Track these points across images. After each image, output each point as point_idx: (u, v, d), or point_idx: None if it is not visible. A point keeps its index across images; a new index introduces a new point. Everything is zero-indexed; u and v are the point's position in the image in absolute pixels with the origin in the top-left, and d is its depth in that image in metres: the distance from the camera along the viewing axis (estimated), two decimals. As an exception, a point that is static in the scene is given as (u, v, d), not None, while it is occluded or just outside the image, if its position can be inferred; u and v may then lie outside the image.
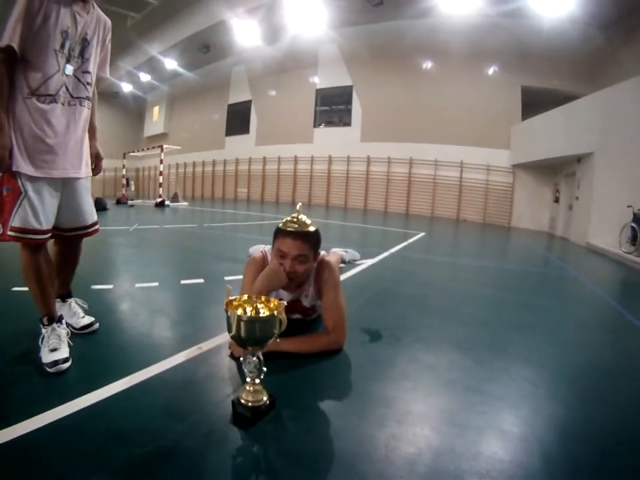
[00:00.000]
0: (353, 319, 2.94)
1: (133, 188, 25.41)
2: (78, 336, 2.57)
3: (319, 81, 22.19)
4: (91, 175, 2.59)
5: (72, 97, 2.29)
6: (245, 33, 19.60)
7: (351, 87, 20.84)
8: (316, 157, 21.66)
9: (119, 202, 19.33)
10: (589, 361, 2.62)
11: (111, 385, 1.94)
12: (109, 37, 2.56)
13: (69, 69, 2.24)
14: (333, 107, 22.05)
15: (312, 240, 2.43)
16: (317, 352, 2.34)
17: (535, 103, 16.02)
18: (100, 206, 14.74)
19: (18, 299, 3.16)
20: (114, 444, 1.53)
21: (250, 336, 1.69)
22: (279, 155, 23.08)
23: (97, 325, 2.68)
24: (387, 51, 19.25)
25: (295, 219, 2.47)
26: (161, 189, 19.16)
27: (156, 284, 4.00)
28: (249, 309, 1.85)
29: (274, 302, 1.87)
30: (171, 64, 24.27)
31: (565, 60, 15.47)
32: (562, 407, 1.93)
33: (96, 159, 2.73)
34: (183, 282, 4.12)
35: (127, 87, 29.02)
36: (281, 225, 2.47)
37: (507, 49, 16.37)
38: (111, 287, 3.88)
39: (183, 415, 1.73)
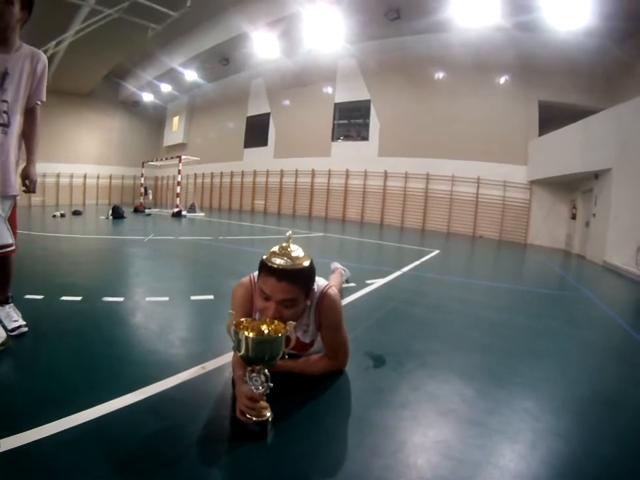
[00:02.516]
0: (358, 343, 2.98)
1: (150, 197, 25.66)
2: (80, 346, 2.75)
3: (337, 95, 22.26)
4: (11, 194, 2.76)
5: None
6: (264, 46, 19.86)
7: (368, 102, 20.90)
8: (333, 170, 21.72)
9: (136, 210, 19.60)
10: (596, 392, 2.56)
11: (114, 400, 1.99)
12: (40, 66, 2.86)
13: None
14: (351, 121, 22.09)
15: (302, 280, 2.05)
16: (319, 374, 2.35)
17: (552, 117, 15.88)
18: (117, 214, 14.97)
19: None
20: (112, 459, 1.57)
21: (259, 356, 1.75)
22: (297, 167, 23.18)
23: (25, 329, 2.89)
24: (404, 65, 19.34)
25: (283, 251, 2.07)
26: (178, 199, 19.35)
27: (166, 298, 4.05)
28: (251, 334, 1.86)
29: (278, 323, 1.91)
30: (191, 75, 24.60)
31: (581, 74, 15.34)
32: (561, 441, 1.90)
33: (27, 179, 2.86)
34: (193, 297, 4.16)
35: (147, 97, 29.46)
36: (265, 256, 2.08)
37: (523, 63, 16.34)
38: (121, 299, 3.94)
39: (183, 434, 1.76)
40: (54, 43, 17.67)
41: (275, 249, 2.09)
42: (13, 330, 2.83)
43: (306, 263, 2.06)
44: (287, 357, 1.88)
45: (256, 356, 1.75)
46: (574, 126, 13.18)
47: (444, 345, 3.29)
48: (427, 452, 1.75)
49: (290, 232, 2.20)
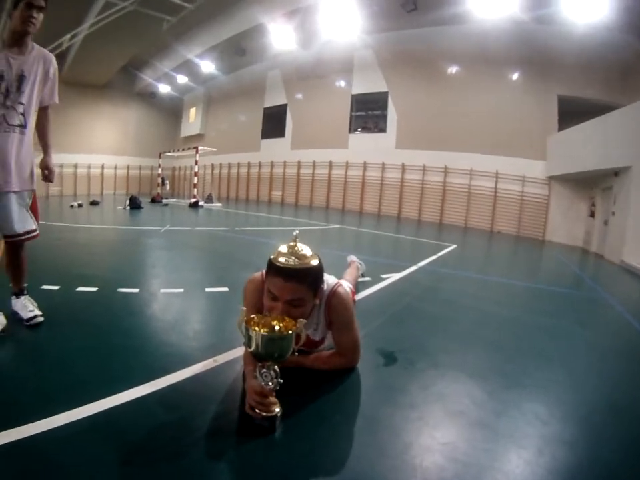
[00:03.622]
0: (370, 339, 3.00)
1: (168, 187, 25.78)
2: (95, 337, 2.80)
3: (354, 86, 22.11)
4: (30, 189, 2.97)
5: (8, 124, 2.76)
6: (280, 37, 19.81)
7: (386, 93, 20.74)
8: (351, 162, 21.62)
9: (153, 200, 19.72)
10: (605, 397, 2.52)
11: (126, 392, 2.04)
12: (52, 69, 3.02)
13: (8, 103, 2.75)
14: (369, 113, 21.94)
15: (309, 279, 2.03)
16: (330, 370, 2.37)
17: (572, 112, 15.51)
18: (134, 204, 15.07)
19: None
20: (122, 449, 1.62)
21: (270, 352, 1.77)
22: (314, 159, 23.13)
23: (40, 319, 2.94)
24: (421, 57, 19.12)
25: (291, 250, 2.05)
26: (195, 189, 19.45)
27: (181, 290, 4.10)
28: (264, 329, 1.89)
29: (288, 319, 1.93)
30: (207, 66, 24.61)
31: (601, 68, 14.98)
32: (567, 448, 1.89)
33: (46, 169, 3.07)
34: (207, 289, 4.20)
35: (164, 88, 29.56)
36: (272, 256, 2.07)
37: (542, 57, 16.05)
38: (137, 290, 3.99)
39: (193, 426, 1.80)
40: (69, 35, 17.79)
41: (282, 247, 2.08)
42: (29, 320, 2.89)
43: (314, 262, 2.05)
44: (296, 353, 1.89)
45: (266, 353, 1.78)
46: (593, 122, 12.93)
47: (456, 343, 3.28)
48: (433, 454, 1.76)
49: (297, 231, 2.18)
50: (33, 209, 3.01)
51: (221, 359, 2.53)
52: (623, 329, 4.38)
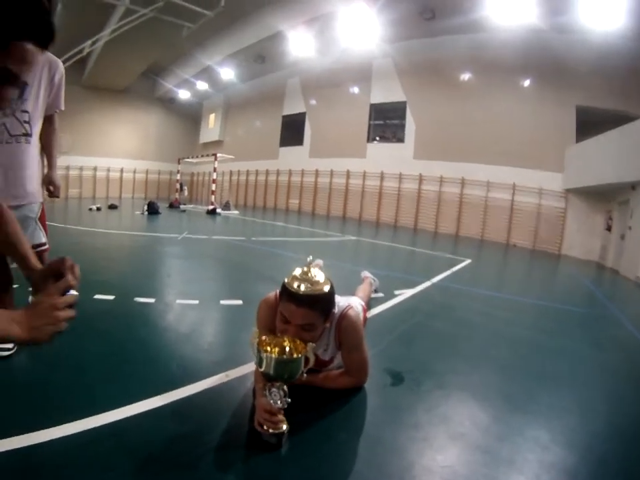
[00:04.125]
0: (379, 358, 3.05)
1: (186, 193, 26.05)
2: (111, 346, 2.87)
3: (372, 95, 22.18)
4: (38, 201, 2.81)
5: (10, 135, 2.60)
6: (300, 45, 19.99)
7: (404, 103, 20.77)
8: (368, 172, 21.67)
9: (171, 206, 19.97)
10: (612, 424, 2.52)
11: (140, 403, 2.13)
12: (58, 75, 2.86)
13: (9, 111, 2.56)
14: (387, 122, 22.02)
15: (321, 305, 2.08)
16: (339, 388, 2.43)
17: (591, 123, 15.41)
18: (152, 209, 15.26)
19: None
20: (134, 459, 1.71)
21: (280, 374, 1.86)
22: (332, 168, 23.21)
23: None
24: (439, 66, 19.14)
25: (304, 276, 2.09)
26: (213, 196, 19.58)
27: (196, 302, 4.18)
28: (275, 349, 2.00)
29: (299, 341, 2.01)
30: (227, 74, 24.92)
31: (619, 78, 14.77)
32: (567, 476, 1.92)
33: (50, 185, 2.98)
34: (222, 302, 4.27)
35: (183, 94, 29.95)
36: (287, 279, 2.12)
37: (560, 67, 15.94)
38: (152, 300, 4.07)
39: (203, 439, 1.89)
40: (90, 41, 18.10)
41: (296, 272, 2.13)
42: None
43: (326, 288, 2.09)
44: (305, 375, 1.97)
45: (276, 374, 1.87)
46: (610, 134, 12.81)
47: (464, 363, 3.30)
48: (433, 476, 1.81)
49: (310, 257, 2.27)
50: (42, 222, 2.88)
51: (233, 373, 2.60)
52: (634, 350, 4.35)
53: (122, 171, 29.38)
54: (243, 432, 1.98)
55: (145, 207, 15.64)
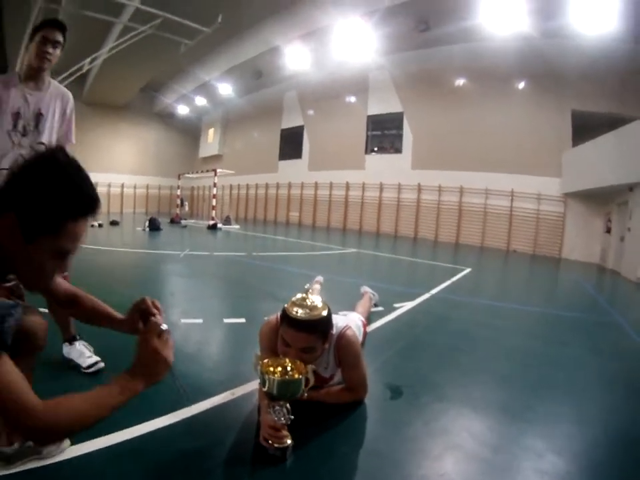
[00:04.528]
0: (378, 373, 3.13)
1: (187, 208, 26.20)
2: (113, 370, 2.77)
3: (369, 107, 22.46)
4: None
5: None
6: (296, 59, 20.32)
7: (401, 114, 21.06)
8: (367, 183, 21.89)
9: (172, 221, 20.06)
10: (609, 433, 2.55)
11: (154, 420, 2.22)
12: (70, 108, 2.97)
13: (25, 142, 2.70)
14: (385, 132, 22.25)
15: (320, 329, 2.21)
16: (339, 403, 2.53)
17: (587, 127, 15.57)
18: (154, 226, 15.34)
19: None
20: (149, 472, 1.85)
21: (282, 393, 1.98)
22: (331, 180, 23.45)
23: (101, 365, 2.80)
24: (434, 76, 19.44)
25: (302, 303, 2.22)
26: (213, 211, 19.70)
27: (200, 321, 4.25)
28: (278, 369, 2.12)
29: (299, 363, 2.13)
30: (224, 89, 25.27)
31: (614, 81, 14.99)
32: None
33: None
34: (225, 320, 4.34)
35: (182, 109, 30.29)
36: (287, 305, 2.25)
37: (554, 72, 16.15)
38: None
39: (211, 454, 2.01)
40: (89, 59, 18.32)
41: (296, 298, 2.26)
42: (89, 367, 2.77)
43: (324, 313, 2.21)
44: (306, 394, 2.08)
45: (279, 394, 1.99)
46: (607, 136, 12.99)
47: (462, 376, 3.37)
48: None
49: (308, 285, 2.38)
50: None
51: (238, 391, 2.69)
52: (633, 356, 4.37)
53: (123, 186, 29.59)
54: (250, 447, 2.08)
55: (146, 223, 15.72)
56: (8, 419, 1.16)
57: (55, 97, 2.85)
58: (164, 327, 1.46)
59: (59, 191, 1.19)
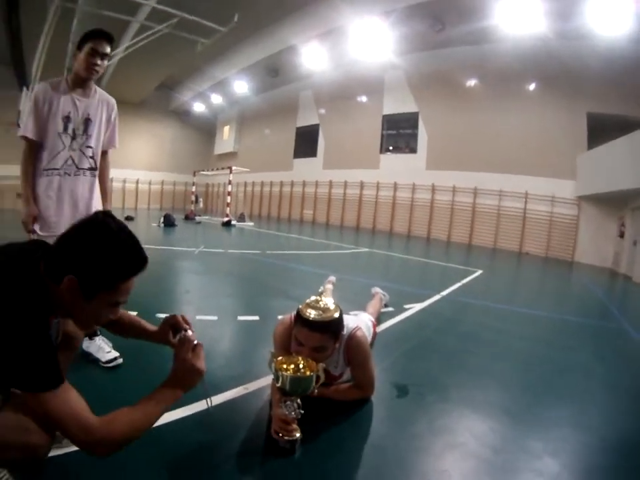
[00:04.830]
0: (386, 372, 3.24)
1: (201, 204, 26.41)
2: (131, 366, 2.97)
3: (385, 106, 22.50)
4: None
5: (77, 168, 2.88)
6: (312, 58, 20.38)
7: (416, 114, 21.07)
8: (381, 183, 21.95)
9: (187, 218, 20.19)
10: (603, 438, 2.59)
11: (169, 413, 2.29)
12: (114, 113, 3.13)
13: (75, 145, 2.87)
14: (400, 131, 22.23)
15: (331, 330, 2.34)
16: (348, 400, 2.65)
17: (603, 129, 15.37)
18: (168, 222, 15.49)
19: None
20: (165, 462, 1.98)
21: (294, 389, 2.13)
22: (345, 179, 23.54)
23: (120, 360, 2.94)
24: (450, 77, 19.42)
25: (316, 305, 2.36)
26: (228, 208, 19.81)
27: (215, 317, 4.37)
28: (291, 366, 2.25)
29: (311, 361, 2.27)
30: (240, 87, 25.41)
31: (630, 83, 14.74)
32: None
33: None
34: (239, 318, 4.46)
35: (198, 107, 30.53)
36: (301, 306, 2.39)
37: (570, 74, 16.06)
38: (173, 315, 4.24)
39: (224, 446, 2.15)
40: (106, 58, 18.44)
41: (309, 300, 2.40)
42: (108, 362, 2.88)
43: (335, 315, 2.34)
44: (316, 391, 2.21)
45: (291, 389, 2.13)
46: (621, 140, 12.86)
47: (468, 378, 3.45)
48: (427, 478, 2.04)
49: (322, 287, 2.53)
50: None
51: (251, 386, 2.82)
52: (638, 364, 4.40)
53: (138, 182, 29.85)
54: (261, 439, 2.22)
55: (161, 219, 15.90)
56: (70, 437, 1.36)
57: (102, 104, 3.01)
58: (196, 341, 1.68)
59: (115, 257, 1.38)
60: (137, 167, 29.74)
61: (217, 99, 28.50)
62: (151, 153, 31.12)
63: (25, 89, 17.49)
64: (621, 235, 14.57)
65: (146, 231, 14.39)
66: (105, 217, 1.43)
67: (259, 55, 21.55)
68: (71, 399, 1.34)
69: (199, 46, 17.65)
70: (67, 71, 16.90)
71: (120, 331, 1.90)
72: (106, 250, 1.37)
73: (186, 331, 1.77)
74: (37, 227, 2.77)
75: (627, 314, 7.30)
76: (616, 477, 2.24)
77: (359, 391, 2.69)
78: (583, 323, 6.07)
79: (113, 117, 3.12)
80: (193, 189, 24.98)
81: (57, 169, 2.81)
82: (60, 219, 2.82)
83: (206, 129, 34.69)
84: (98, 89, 3.02)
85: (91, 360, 2.93)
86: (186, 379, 1.63)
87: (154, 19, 15.19)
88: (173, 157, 32.27)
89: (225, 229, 17.28)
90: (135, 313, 4.12)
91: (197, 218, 20.59)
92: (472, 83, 19.18)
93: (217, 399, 2.57)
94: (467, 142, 19.07)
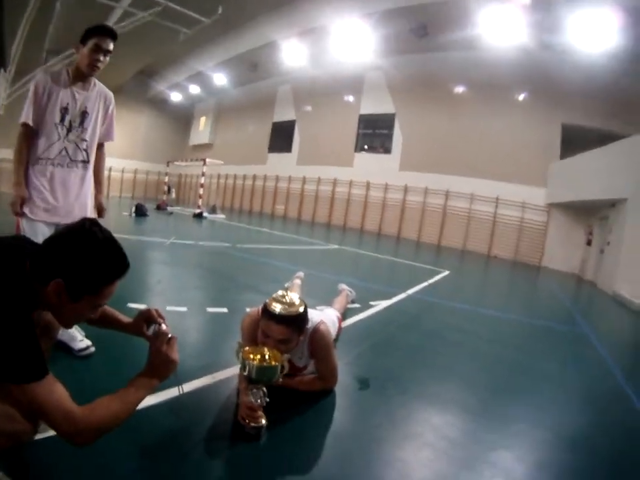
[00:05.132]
0: (350, 366, 3.35)
1: (173, 195, 26.25)
2: (103, 355, 2.99)
3: (362, 106, 22.67)
4: None
5: (71, 159, 2.92)
6: (293, 55, 20.50)
7: (393, 115, 21.30)
8: (355, 181, 22.10)
9: (159, 208, 20.00)
10: (557, 434, 2.77)
11: None
12: (112, 107, 3.21)
13: (71, 137, 2.90)
14: (376, 131, 22.39)
15: (296, 323, 2.46)
16: (311, 391, 2.77)
17: (576, 140, 15.84)
18: (140, 212, 15.37)
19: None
20: (137, 448, 2.05)
21: (260, 378, 2.25)
22: (319, 175, 23.63)
23: (92, 349, 2.94)
24: (429, 81, 19.67)
25: (282, 299, 2.48)
26: (200, 200, 19.74)
27: (185, 309, 4.41)
28: (257, 356, 2.34)
29: (277, 352, 2.37)
30: (219, 79, 25.41)
31: (606, 98, 15.23)
32: (504, 473, 2.25)
33: (98, 210, 3.24)
34: (208, 309, 4.52)
35: (175, 96, 30.28)
36: (268, 300, 2.50)
37: (547, 85, 16.49)
38: (144, 307, 4.28)
39: (194, 431, 2.23)
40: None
41: (276, 295, 2.52)
42: (81, 350, 2.88)
43: (300, 310, 2.47)
44: (281, 380, 2.32)
45: (257, 378, 2.24)
46: (593, 152, 13.29)
47: (428, 374, 3.60)
48: (387, 467, 2.15)
49: (289, 282, 2.63)
50: None
51: (219, 376, 2.90)
52: (595, 368, 4.53)
53: (110, 169, 29.37)
54: (228, 425, 2.32)
55: (133, 209, 15.74)
56: (54, 426, 1.45)
57: (99, 97, 3.05)
58: (170, 335, 1.81)
59: (100, 265, 1.49)
60: (110, 154, 28.34)
61: (195, 89, 28.35)
62: (125, 141, 30.61)
63: (2, 70, 17.15)
64: (589, 243, 15.03)
65: (117, 220, 14.24)
66: (91, 225, 1.52)
67: (240, 48, 21.53)
68: (55, 390, 1.43)
69: (181, 36, 17.53)
70: (45, 53, 16.74)
71: (95, 322, 1.96)
72: (92, 258, 1.47)
73: (160, 324, 1.89)
74: (26, 210, 2.78)
75: (589, 320, 7.56)
76: (566, 470, 2.40)
77: (322, 382, 2.80)
78: (545, 327, 6.26)
79: (110, 110, 3.19)
80: (166, 179, 24.81)
81: (51, 159, 2.85)
82: (50, 207, 2.85)
83: (182, 119, 34.39)
84: (97, 82, 3.05)
85: (63, 348, 2.89)
86: (161, 369, 1.74)
87: (138, 6, 15.02)
88: (147, 146, 31.91)
89: (197, 221, 17.23)
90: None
91: (169, 208, 20.44)
92: (451, 88, 19.46)
93: (187, 387, 2.63)
94: (442, 145, 19.37)
